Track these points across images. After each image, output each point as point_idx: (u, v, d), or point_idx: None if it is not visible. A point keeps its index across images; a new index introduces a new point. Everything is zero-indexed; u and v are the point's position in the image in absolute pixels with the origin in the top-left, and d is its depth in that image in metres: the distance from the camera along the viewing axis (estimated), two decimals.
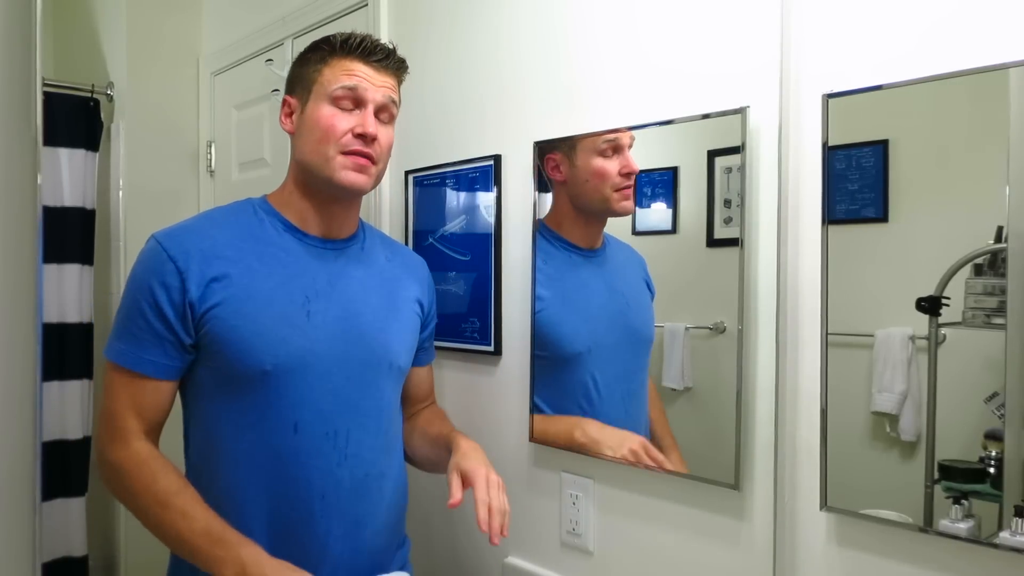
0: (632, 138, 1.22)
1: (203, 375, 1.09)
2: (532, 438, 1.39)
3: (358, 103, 1.10)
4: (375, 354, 1.15)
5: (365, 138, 1.09)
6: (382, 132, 1.12)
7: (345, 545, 1.11)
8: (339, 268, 1.16)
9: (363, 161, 1.10)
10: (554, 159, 1.32)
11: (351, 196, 1.15)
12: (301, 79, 1.15)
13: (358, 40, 1.12)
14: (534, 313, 1.37)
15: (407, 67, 1.19)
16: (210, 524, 1.01)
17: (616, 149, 1.23)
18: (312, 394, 1.08)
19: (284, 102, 1.18)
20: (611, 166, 1.23)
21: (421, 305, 1.28)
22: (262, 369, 1.05)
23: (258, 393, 1.06)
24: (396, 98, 1.16)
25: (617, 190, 1.23)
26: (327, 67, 1.12)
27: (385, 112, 1.13)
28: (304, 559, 1.08)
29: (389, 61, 1.14)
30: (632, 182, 1.22)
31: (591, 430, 1.26)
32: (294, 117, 1.15)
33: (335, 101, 1.10)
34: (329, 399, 1.09)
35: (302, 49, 1.19)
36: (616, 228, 1.27)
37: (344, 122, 1.09)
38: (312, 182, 1.13)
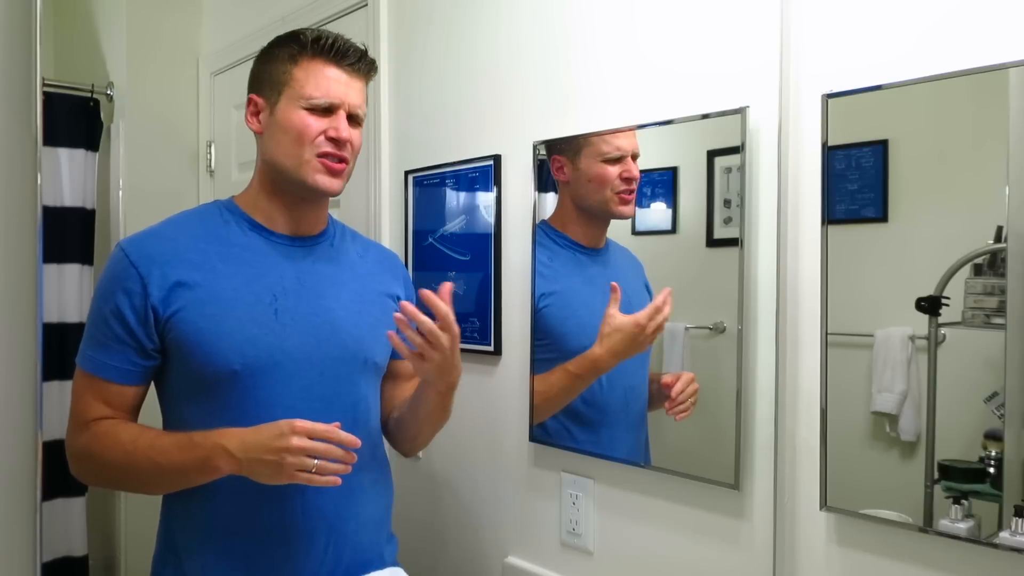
0: (636, 149, 1.23)
1: (174, 379, 1.09)
2: (532, 438, 1.39)
3: (331, 108, 1.10)
4: (348, 350, 1.15)
5: (339, 142, 1.09)
6: (352, 135, 1.12)
7: (329, 540, 1.11)
8: (308, 266, 1.15)
9: (336, 165, 1.10)
10: (559, 160, 1.33)
11: (322, 198, 1.15)
12: (269, 78, 1.13)
13: (330, 41, 1.10)
14: (534, 313, 1.37)
15: (377, 68, 1.18)
16: (178, 439, 1.03)
17: (619, 159, 1.24)
18: (284, 392, 1.08)
19: (250, 101, 1.15)
20: (612, 171, 1.25)
21: (398, 299, 1.26)
22: (231, 369, 1.05)
23: (229, 394, 1.06)
24: (365, 101, 1.16)
25: (617, 193, 1.24)
26: (297, 68, 1.10)
27: (354, 117, 1.13)
28: (287, 556, 1.09)
29: (361, 64, 1.13)
30: (633, 187, 1.22)
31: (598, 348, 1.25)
32: (262, 117, 1.14)
33: (308, 109, 1.09)
34: (302, 396, 1.09)
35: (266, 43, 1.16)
36: (616, 228, 1.27)
37: (317, 125, 1.09)
38: (282, 182, 1.13)
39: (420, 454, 1.66)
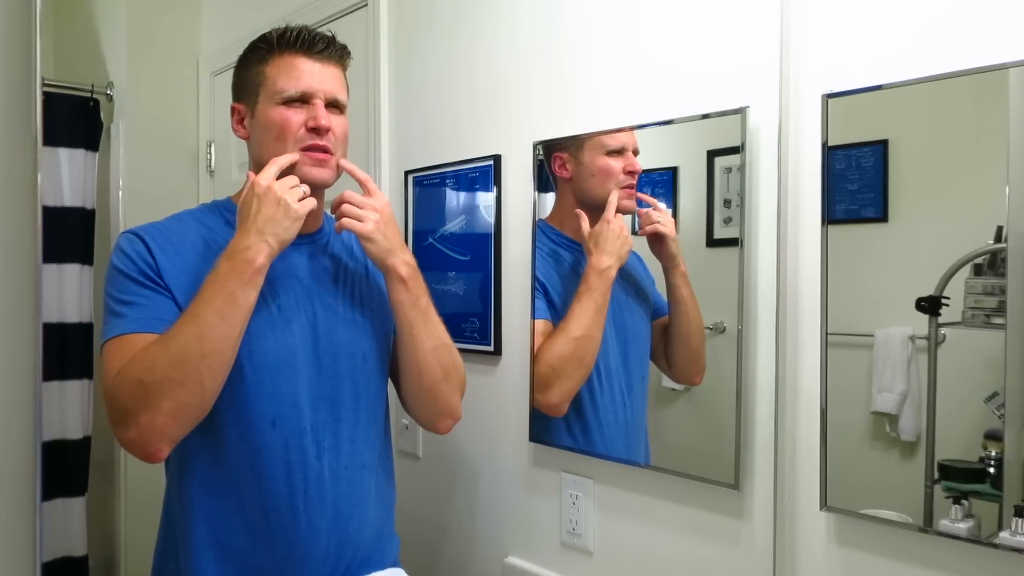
0: (636, 145, 1.24)
1: None
2: (532, 438, 1.39)
3: (307, 99, 1.11)
4: (347, 346, 1.15)
5: (319, 131, 1.10)
6: (335, 122, 1.12)
7: (331, 539, 1.11)
8: (305, 263, 1.16)
9: (321, 156, 1.11)
10: (561, 157, 1.33)
11: (313, 192, 1.15)
12: (246, 83, 1.16)
13: (295, 33, 1.12)
14: (534, 312, 1.37)
15: (350, 53, 1.18)
16: (200, 291, 0.99)
17: (621, 152, 1.25)
18: (288, 389, 1.08)
19: (233, 110, 1.18)
20: (616, 164, 1.26)
21: None
22: (239, 365, 1.05)
23: (235, 391, 1.05)
24: (344, 87, 1.16)
25: (620, 187, 1.25)
26: (269, 66, 1.12)
27: (335, 104, 1.13)
28: (289, 554, 1.08)
29: (330, 51, 1.14)
30: (635, 181, 1.23)
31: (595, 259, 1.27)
32: (246, 122, 1.16)
33: (284, 103, 1.10)
34: (304, 393, 1.10)
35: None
36: None
37: (296, 118, 1.10)
38: None
39: (420, 453, 1.66)
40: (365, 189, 1.14)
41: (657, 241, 1.20)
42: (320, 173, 1.11)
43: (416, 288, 1.14)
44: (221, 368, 1.00)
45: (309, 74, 1.11)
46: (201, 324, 0.97)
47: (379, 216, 1.11)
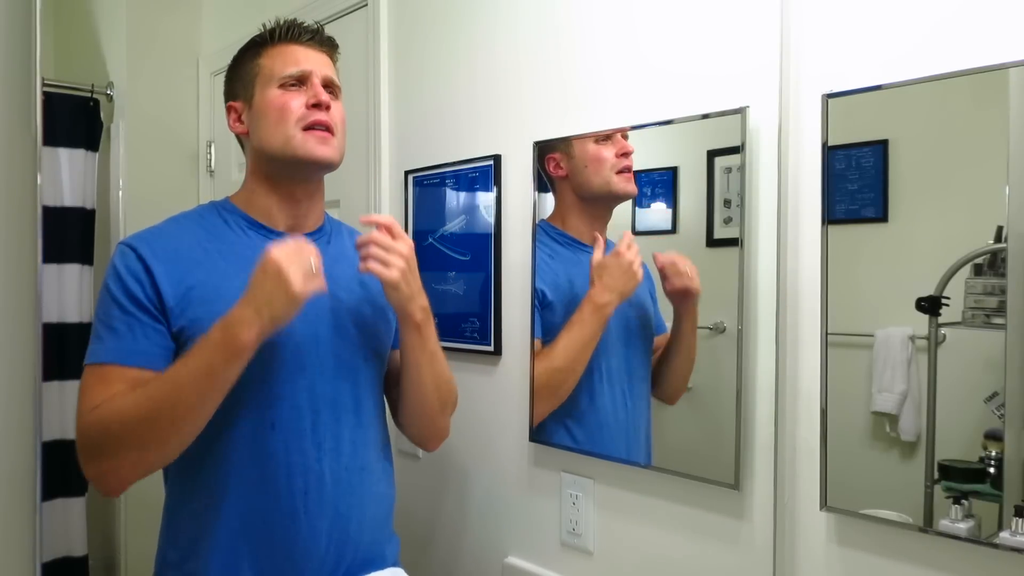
0: (625, 132, 1.24)
1: None
2: (532, 438, 1.39)
3: (303, 80, 1.12)
4: (347, 347, 1.15)
5: (320, 106, 1.10)
6: (333, 105, 1.13)
7: (331, 540, 1.11)
8: None
9: (323, 133, 1.11)
10: (554, 158, 1.34)
11: (319, 172, 1.15)
12: (241, 79, 1.17)
13: (285, 26, 1.15)
14: (534, 313, 1.37)
15: (337, 45, 1.21)
16: (189, 351, 0.99)
17: (609, 137, 1.26)
18: (287, 390, 1.08)
19: (229, 108, 1.19)
20: (607, 151, 1.26)
21: None
22: None
23: (235, 393, 1.05)
24: (336, 74, 1.18)
25: (617, 172, 1.25)
26: (264, 57, 1.14)
27: (330, 87, 1.15)
28: (289, 555, 1.08)
29: (319, 38, 1.17)
30: (630, 162, 1.23)
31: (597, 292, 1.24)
32: (243, 116, 1.17)
33: (282, 85, 1.12)
34: (304, 395, 1.10)
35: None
36: (615, 228, 1.27)
37: (296, 99, 1.11)
38: (276, 170, 1.13)
39: (420, 454, 1.66)
40: (391, 232, 1.10)
41: (681, 295, 1.17)
42: (325, 150, 1.11)
43: (428, 332, 1.15)
44: (190, 433, 1.01)
45: (305, 58, 1.14)
46: (177, 393, 0.97)
47: (405, 264, 1.09)
